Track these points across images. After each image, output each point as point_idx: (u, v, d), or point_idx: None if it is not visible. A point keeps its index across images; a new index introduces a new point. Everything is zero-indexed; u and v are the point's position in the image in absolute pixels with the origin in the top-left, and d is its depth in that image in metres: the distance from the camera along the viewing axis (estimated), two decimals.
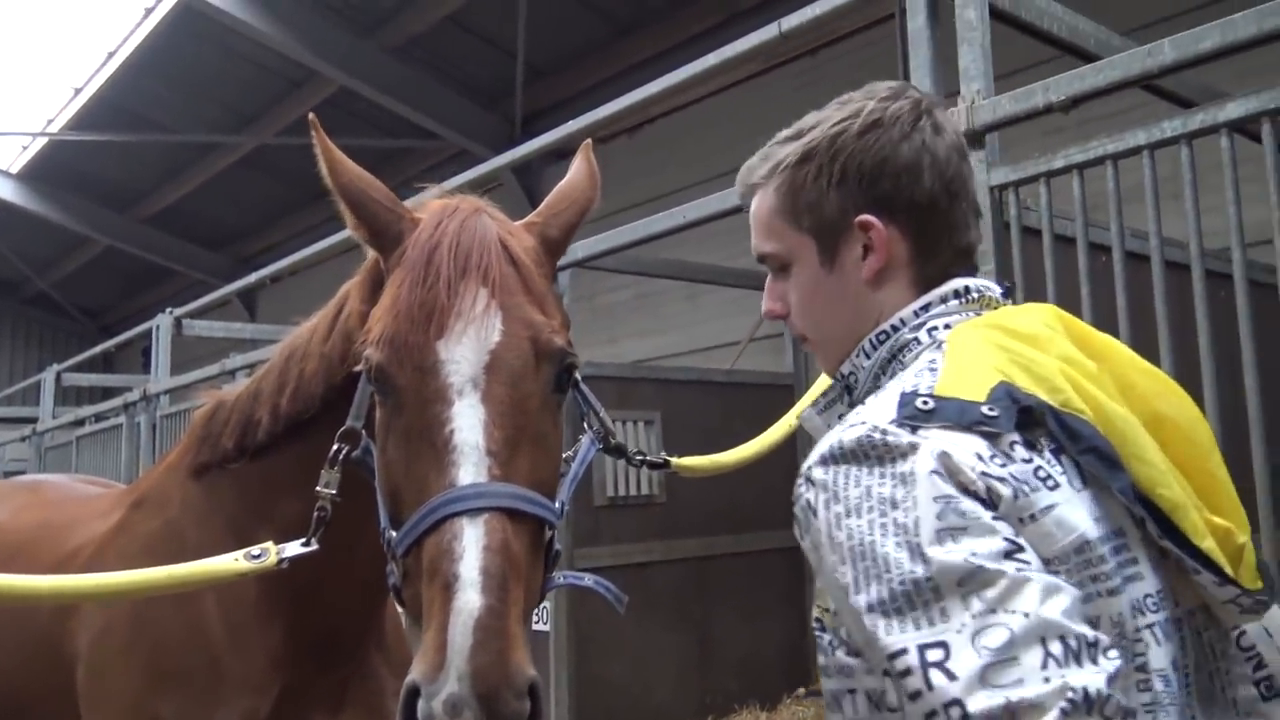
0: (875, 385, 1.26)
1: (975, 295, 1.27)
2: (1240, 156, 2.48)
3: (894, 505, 1.01)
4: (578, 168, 1.90)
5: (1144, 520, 1.09)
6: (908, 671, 0.93)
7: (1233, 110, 2.43)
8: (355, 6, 10.80)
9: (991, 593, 0.94)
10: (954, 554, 0.96)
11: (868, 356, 1.28)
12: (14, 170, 15.97)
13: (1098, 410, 1.11)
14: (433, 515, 1.37)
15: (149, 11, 11.40)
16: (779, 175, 1.33)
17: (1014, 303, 1.32)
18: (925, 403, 1.08)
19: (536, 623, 4.30)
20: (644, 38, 10.33)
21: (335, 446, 1.69)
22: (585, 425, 1.97)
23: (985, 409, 1.06)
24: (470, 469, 1.40)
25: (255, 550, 1.61)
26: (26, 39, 13.41)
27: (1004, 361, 1.12)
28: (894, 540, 0.99)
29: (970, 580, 0.95)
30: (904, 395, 1.10)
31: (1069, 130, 3.88)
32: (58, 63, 13.33)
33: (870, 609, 0.98)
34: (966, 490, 1.01)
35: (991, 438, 1.05)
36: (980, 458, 1.04)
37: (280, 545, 1.62)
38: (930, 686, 0.91)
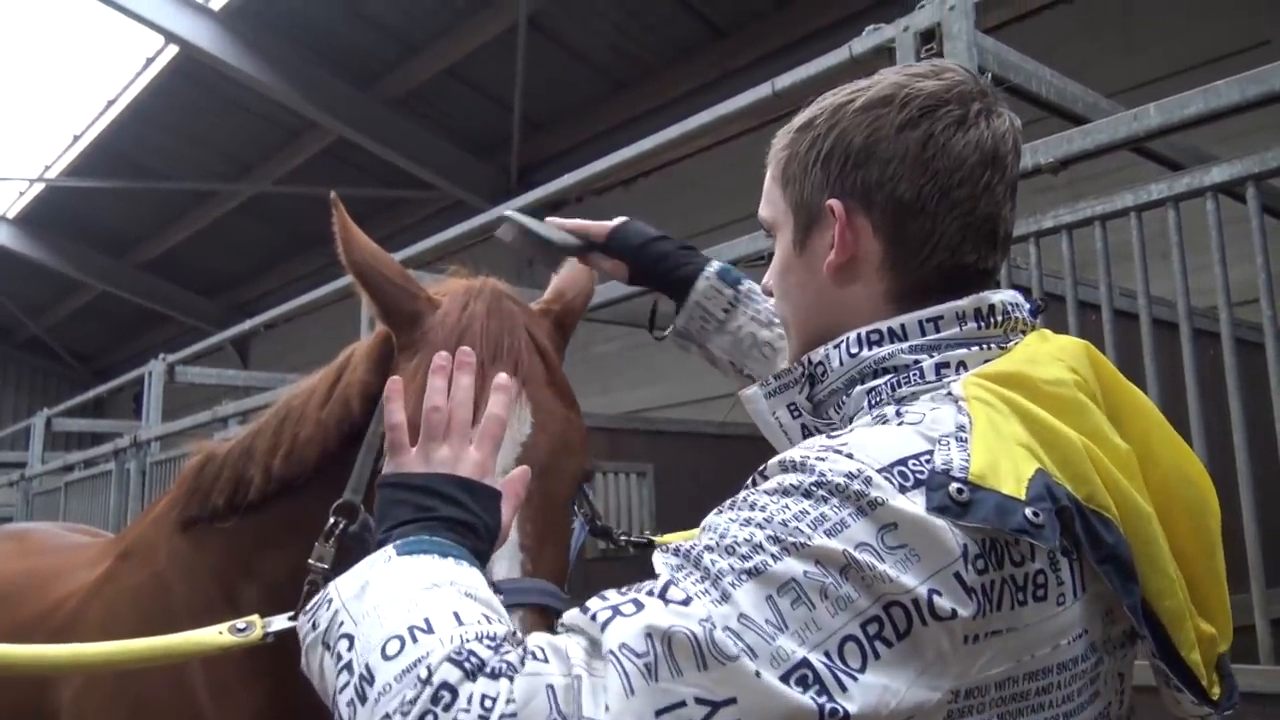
0: (844, 390, 1.09)
1: (999, 318, 1.07)
2: (1226, 217, 2.52)
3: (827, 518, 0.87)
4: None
5: (1140, 636, 0.97)
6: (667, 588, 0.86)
7: (1217, 174, 2.47)
8: (355, 58, 10.93)
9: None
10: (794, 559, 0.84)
11: (850, 355, 1.08)
12: (10, 215, 16.02)
13: (1123, 507, 0.95)
14: None
15: (150, 61, 11.52)
16: (784, 137, 1.21)
17: (1041, 322, 1.14)
18: (960, 491, 0.87)
19: None
20: (639, 93, 10.46)
21: (331, 520, 1.65)
22: (574, 508, 1.97)
23: (1029, 513, 0.87)
24: (505, 563, 1.40)
25: (240, 623, 1.56)
26: (27, 86, 13.55)
27: (1029, 437, 0.94)
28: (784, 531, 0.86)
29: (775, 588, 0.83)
30: (934, 474, 0.88)
31: (1059, 189, 3.93)
32: (57, 110, 13.42)
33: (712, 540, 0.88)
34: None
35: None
36: (965, 554, 0.86)
37: (266, 619, 1.58)
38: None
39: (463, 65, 10.61)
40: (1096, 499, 0.93)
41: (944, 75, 1.11)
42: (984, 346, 1.05)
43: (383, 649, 0.90)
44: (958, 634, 0.84)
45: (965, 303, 1.07)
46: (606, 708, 0.78)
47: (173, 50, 10.96)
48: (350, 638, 0.95)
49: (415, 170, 11.60)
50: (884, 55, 3.13)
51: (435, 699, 0.83)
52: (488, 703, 0.81)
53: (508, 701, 0.81)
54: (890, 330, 1.07)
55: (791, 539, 0.85)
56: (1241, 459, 2.38)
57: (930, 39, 2.96)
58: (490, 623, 0.93)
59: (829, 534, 0.85)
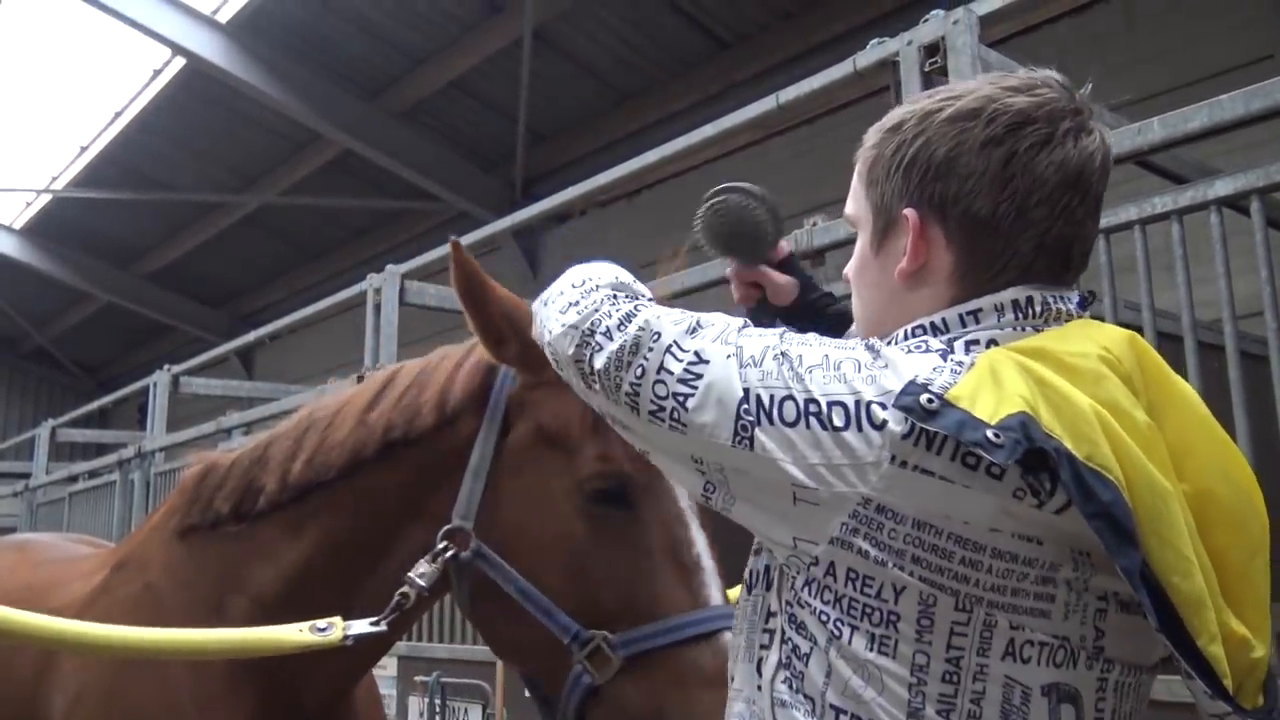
0: None
1: (1039, 309, 1.09)
2: (1230, 230, 2.52)
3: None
4: None
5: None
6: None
7: (1221, 188, 2.47)
8: (360, 71, 10.98)
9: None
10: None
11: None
12: (17, 226, 16.08)
13: (1131, 472, 0.96)
14: (697, 628, 1.50)
15: (157, 73, 11.59)
16: (874, 135, 1.21)
17: (1089, 315, 1.16)
18: (930, 401, 0.97)
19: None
20: (643, 106, 10.50)
21: (441, 544, 1.67)
22: None
23: (990, 433, 0.93)
24: (716, 590, 1.56)
25: (321, 624, 1.58)
26: (34, 97, 13.58)
27: (1032, 393, 0.98)
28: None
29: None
30: (912, 384, 0.99)
31: None
32: (64, 121, 13.43)
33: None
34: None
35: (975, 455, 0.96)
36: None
37: (347, 622, 1.59)
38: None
39: (468, 77, 10.66)
40: (1097, 459, 0.95)
41: (1037, 91, 1.11)
42: (1018, 330, 1.08)
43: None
44: (885, 446, 0.99)
45: (1004, 295, 1.09)
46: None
47: (180, 63, 11.02)
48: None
49: (420, 182, 11.64)
50: (888, 69, 3.13)
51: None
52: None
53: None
54: (933, 324, 1.11)
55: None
56: None
57: (934, 52, 2.96)
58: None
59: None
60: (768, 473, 1.04)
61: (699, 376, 1.08)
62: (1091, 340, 1.06)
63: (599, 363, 1.17)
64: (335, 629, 1.59)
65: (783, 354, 1.07)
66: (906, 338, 1.12)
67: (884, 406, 0.99)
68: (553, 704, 1.62)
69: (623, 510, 1.57)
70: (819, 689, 1.04)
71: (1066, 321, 1.11)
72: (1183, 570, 0.96)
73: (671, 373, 1.10)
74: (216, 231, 15.03)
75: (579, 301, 1.25)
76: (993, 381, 0.99)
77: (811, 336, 1.11)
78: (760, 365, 1.07)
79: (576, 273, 1.33)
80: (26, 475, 10.47)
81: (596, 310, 1.21)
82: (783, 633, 1.09)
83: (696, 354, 1.10)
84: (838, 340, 1.11)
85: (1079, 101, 1.12)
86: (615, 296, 1.24)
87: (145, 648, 1.57)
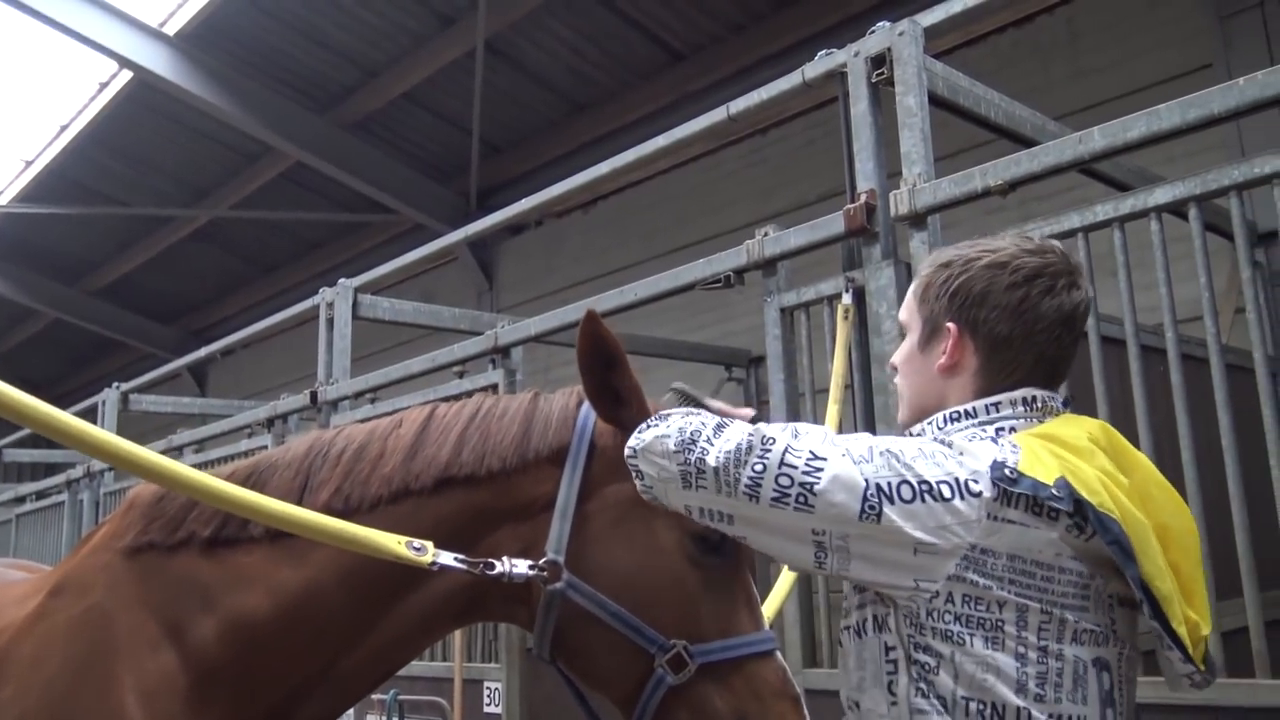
0: None
1: (1040, 405, 1.57)
2: (1172, 235, 2.58)
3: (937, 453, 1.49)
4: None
5: (1142, 602, 1.41)
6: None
7: (1161, 196, 2.53)
8: (311, 83, 10.89)
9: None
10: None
11: (939, 429, 1.60)
12: None
13: (1124, 514, 1.41)
14: (762, 646, 1.82)
15: (103, 86, 11.40)
16: (928, 267, 1.69)
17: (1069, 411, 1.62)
18: (1012, 473, 1.42)
19: (488, 705, 4.22)
20: (596, 116, 10.51)
21: (543, 569, 1.81)
22: None
23: (1054, 490, 1.40)
24: (763, 617, 1.91)
25: (416, 543, 1.70)
26: None
27: (1061, 466, 1.44)
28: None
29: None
30: (996, 463, 1.43)
31: (1010, 210, 4.01)
32: (9, 135, 13.17)
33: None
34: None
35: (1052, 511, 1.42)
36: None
37: (438, 550, 1.71)
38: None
39: (421, 89, 10.61)
40: (1105, 506, 1.41)
41: (1046, 254, 1.60)
42: (1028, 421, 1.56)
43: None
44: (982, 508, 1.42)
45: (1016, 393, 1.58)
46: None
47: (126, 75, 10.85)
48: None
49: (374, 194, 11.55)
50: (835, 80, 3.18)
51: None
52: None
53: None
54: (965, 411, 1.59)
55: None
56: (1189, 473, 2.43)
57: (881, 64, 3.01)
58: None
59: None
60: (892, 536, 1.41)
61: (820, 470, 1.43)
62: (1080, 428, 1.54)
63: (712, 461, 1.50)
64: (427, 552, 1.70)
65: (886, 450, 1.45)
66: (946, 421, 1.59)
67: (976, 481, 1.42)
68: None
69: (719, 557, 1.83)
70: (950, 689, 1.43)
71: (1057, 415, 1.58)
72: (1160, 576, 1.41)
73: (795, 467, 1.45)
74: (166, 246, 14.80)
75: (660, 421, 1.62)
76: (1038, 460, 1.44)
77: (891, 438, 1.53)
78: (871, 461, 1.44)
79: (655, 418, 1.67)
80: None
81: (685, 421, 1.58)
82: (908, 657, 1.47)
83: (812, 453, 1.45)
84: (914, 439, 1.54)
85: (1073, 264, 1.62)
86: (691, 412, 1.63)
87: (252, 508, 1.63)
